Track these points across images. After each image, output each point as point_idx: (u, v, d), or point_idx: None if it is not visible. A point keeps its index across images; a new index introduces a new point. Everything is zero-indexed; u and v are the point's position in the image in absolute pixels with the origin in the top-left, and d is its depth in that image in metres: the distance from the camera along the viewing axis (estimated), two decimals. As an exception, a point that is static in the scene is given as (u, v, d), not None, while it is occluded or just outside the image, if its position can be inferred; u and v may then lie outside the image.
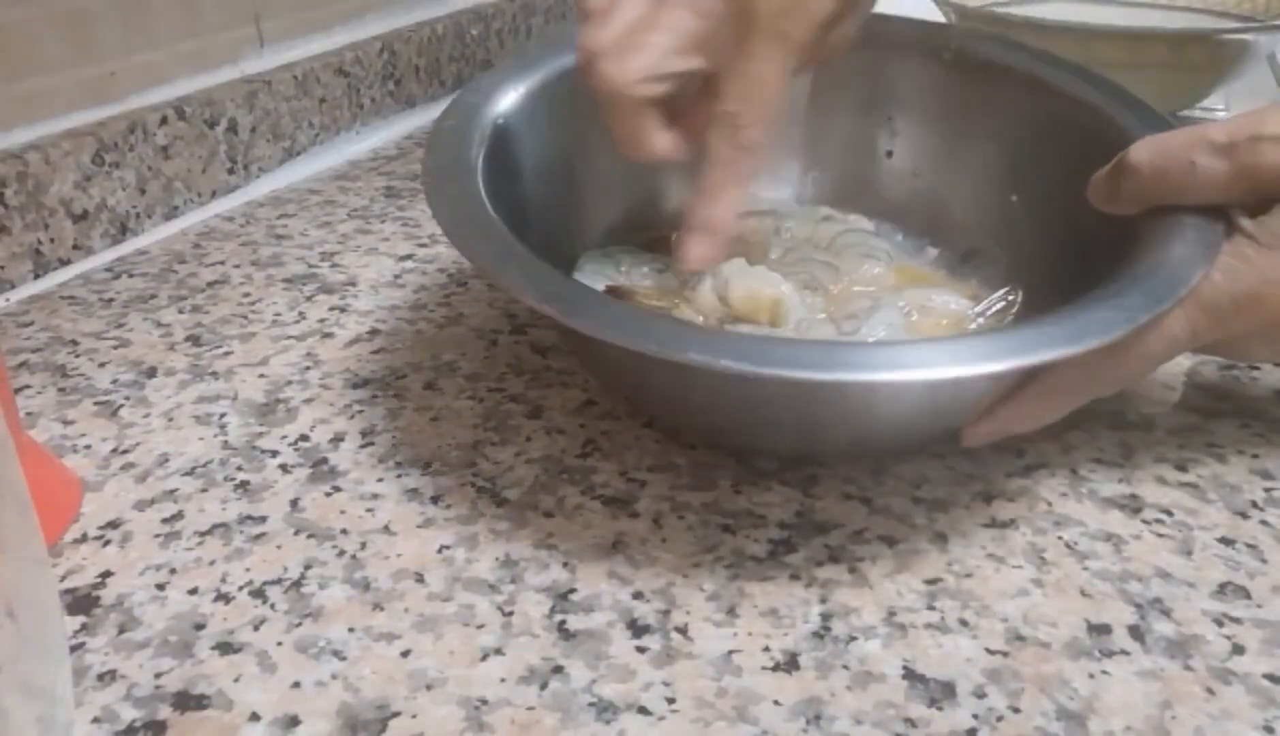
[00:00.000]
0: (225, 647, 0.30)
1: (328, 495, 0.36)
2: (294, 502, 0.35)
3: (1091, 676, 0.28)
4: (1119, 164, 0.37)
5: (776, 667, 0.29)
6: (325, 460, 0.38)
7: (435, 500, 0.35)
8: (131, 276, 0.52)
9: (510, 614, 0.31)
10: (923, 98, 0.49)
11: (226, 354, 0.45)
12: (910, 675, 0.28)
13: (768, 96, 0.36)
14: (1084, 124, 0.43)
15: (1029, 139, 0.46)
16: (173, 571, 0.33)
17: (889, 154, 0.50)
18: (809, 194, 0.52)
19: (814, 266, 0.44)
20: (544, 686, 0.28)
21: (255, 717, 0.27)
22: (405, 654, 0.29)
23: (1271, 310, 0.34)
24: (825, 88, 0.50)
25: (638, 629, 0.30)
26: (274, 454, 0.38)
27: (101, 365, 0.44)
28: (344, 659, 0.29)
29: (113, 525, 0.35)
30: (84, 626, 0.30)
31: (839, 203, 0.50)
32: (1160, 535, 0.34)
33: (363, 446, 0.38)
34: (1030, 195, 0.45)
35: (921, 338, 0.40)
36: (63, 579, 0.32)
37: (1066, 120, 0.44)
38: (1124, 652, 0.29)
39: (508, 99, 0.45)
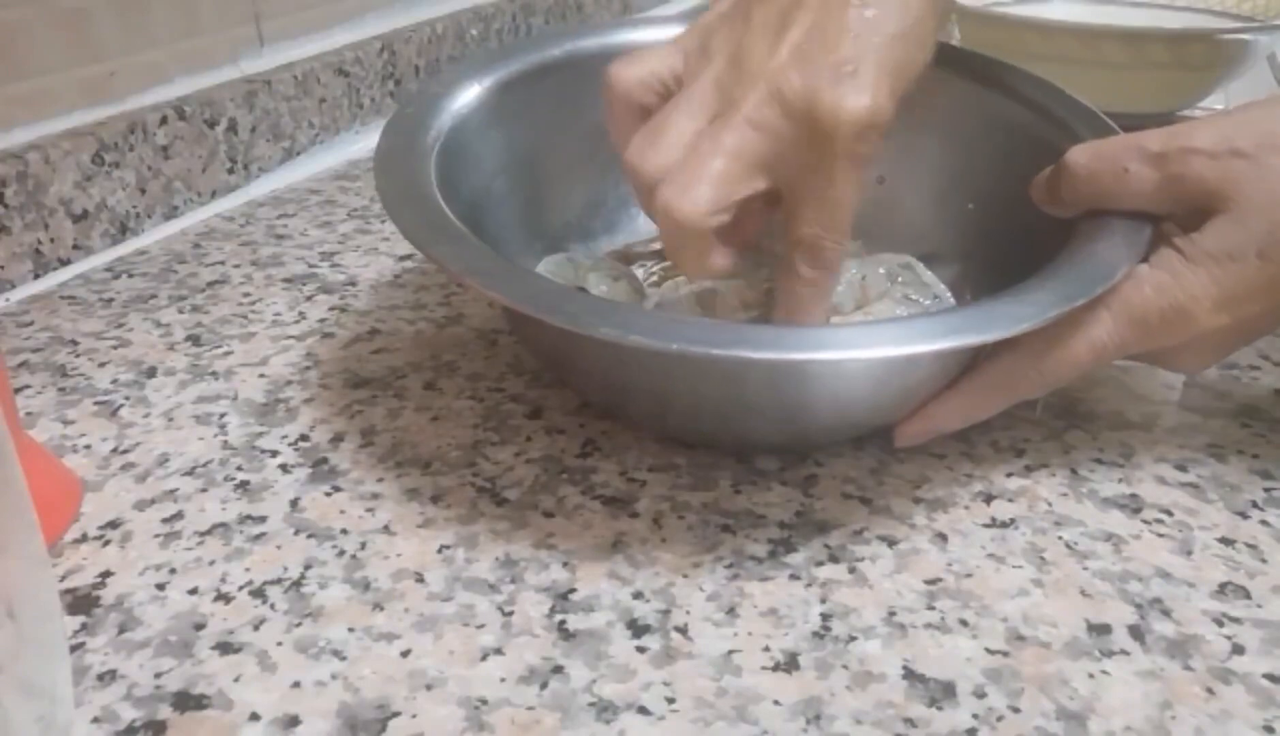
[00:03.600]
0: (225, 647, 0.30)
1: (328, 495, 0.36)
2: (294, 502, 0.35)
3: (1091, 676, 0.28)
4: (1057, 166, 0.37)
5: (776, 667, 0.29)
6: (325, 460, 0.38)
7: (435, 500, 0.35)
8: (131, 276, 0.52)
9: (510, 614, 0.31)
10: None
11: (226, 354, 0.45)
12: (910, 675, 0.28)
13: (847, 216, 0.35)
14: (1033, 129, 0.44)
15: (981, 146, 0.46)
16: (173, 571, 0.33)
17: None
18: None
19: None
20: (544, 686, 0.28)
21: (255, 717, 0.27)
22: (405, 654, 0.29)
23: (1198, 324, 0.34)
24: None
25: (638, 629, 0.30)
26: (274, 454, 0.38)
27: (101, 365, 0.44)
28: (344, 659, 0.29)
29: (113, 525, 0.35)
30: (84, 626, 0.30)
31: None
32: (1160, 535, 0.34)
33: (363, 446, 0.38)
34: (985, 202, 0.45)
35: (839, 325, 0.40)
36: (63, 579, 0.32)
37: (1016, 126, 0.45)
38: (1124, 652, 0.29)
39: (471, 92, 0.45)
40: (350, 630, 0.30)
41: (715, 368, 0.33)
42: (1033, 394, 0.36)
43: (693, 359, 0.31)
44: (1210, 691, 0.28)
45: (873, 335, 0.32)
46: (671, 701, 0.28)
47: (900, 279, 0.43)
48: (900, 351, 0.31)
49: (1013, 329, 0.31)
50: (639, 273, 0.46)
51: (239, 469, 0.37)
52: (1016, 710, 0.27)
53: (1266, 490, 0.36)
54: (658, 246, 0.47)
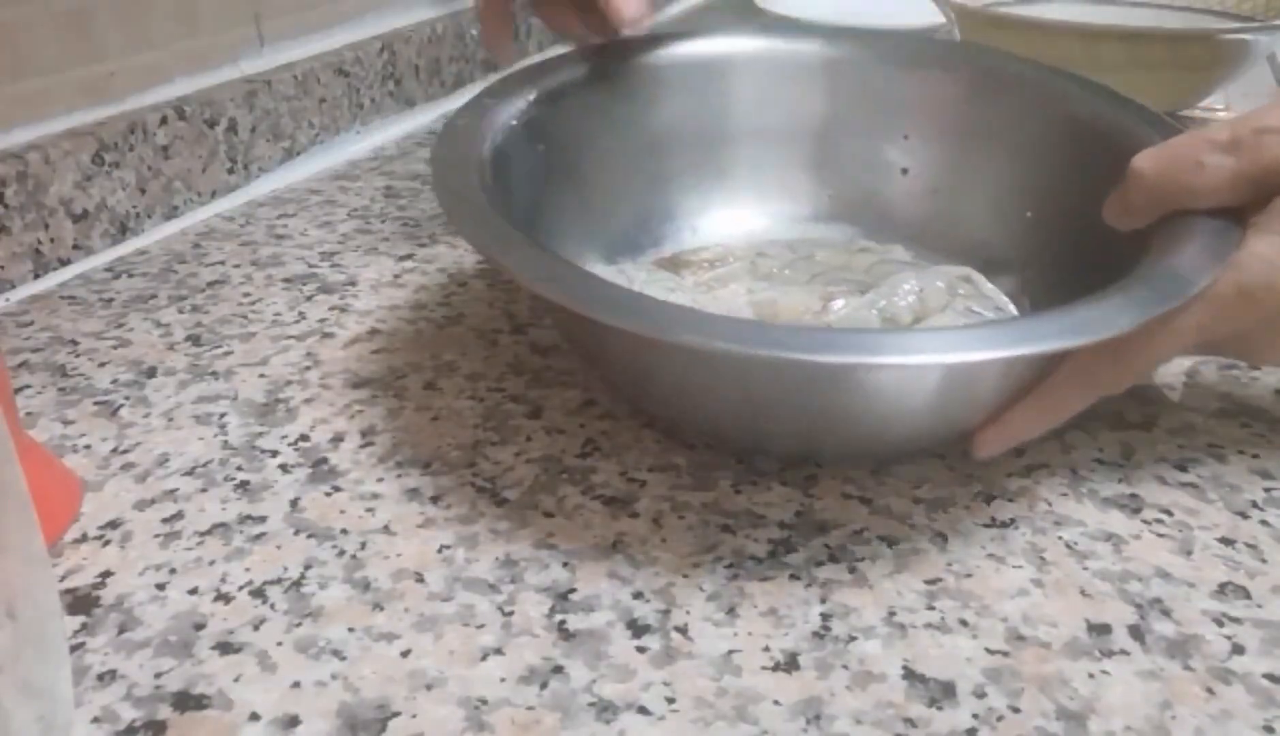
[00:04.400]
0: (225, 647, 0.30)
1: (328, 495, 0.36)
2: (294, 502, 0.35)
3: (1091, 676, 0.28)
4: (1127, 176, 0.36)
5: (776, 667, 0.29)
6: (325, 460, 0.38)
7: (435, 500, 0.35)
8: (131, 276, 0.52)
9: (510, 614, 0.31)
10: (937, 114, 0.50)
11: (226, 354, 0.45)
12: (910, 675, 0.28)
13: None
14: (1095, 135, 0.43)
15: (1042, 153, 0.46)
16: (173, 571, 0.33)
17: (905, 171, 0.50)
18: (824, 210, 0.51)
19: (846, 287, 0.44)
20: (544, 686, 0.28)
21: (255, 717, 0.27)
22: (405, 654, 0.29)
23: (1278, 296, 0.33)
24: (840, 106, 0.51)
25: (638, 629, 0.30)
26: (274, 454, 0.38)
27: (101, 365, 0.44)
28: (344, 659, 0.29)
29: (113, 525, 0.35)
30: (84, 626, 0.30)
31: (855, 220, 0.51)
32: (1160, 535, 0.34)
33: (363, 446, 0.38)
34: (1045, 210, 0.45)
35: (923, 327, 0.40)
36: (63, 579, 0.32)
37: (1078, 133, 0.44)
38: (1124, 652, 0.29)
39: (522, 101, 0.45)
40: (350, 630, 0.30)
41: (798, 371, 0.32)
42: (1112, 392, 0.35)
43: (785, 364, 0.30)
44: (1210, 691, 0.28)
45: (967, 339, 0.31)
46: (671, 701, 0.28)
47: (961, 291, 0.43)
48: (991, 355, 0.30)
49: (1113, 329, 0.30)
50: (689, 281, 0.46)
51: (239, 469, 0.37)
52: (1016, 710, 0.27)
53: (1266, 490, 0.36)
54: (707, 255, 0.47)
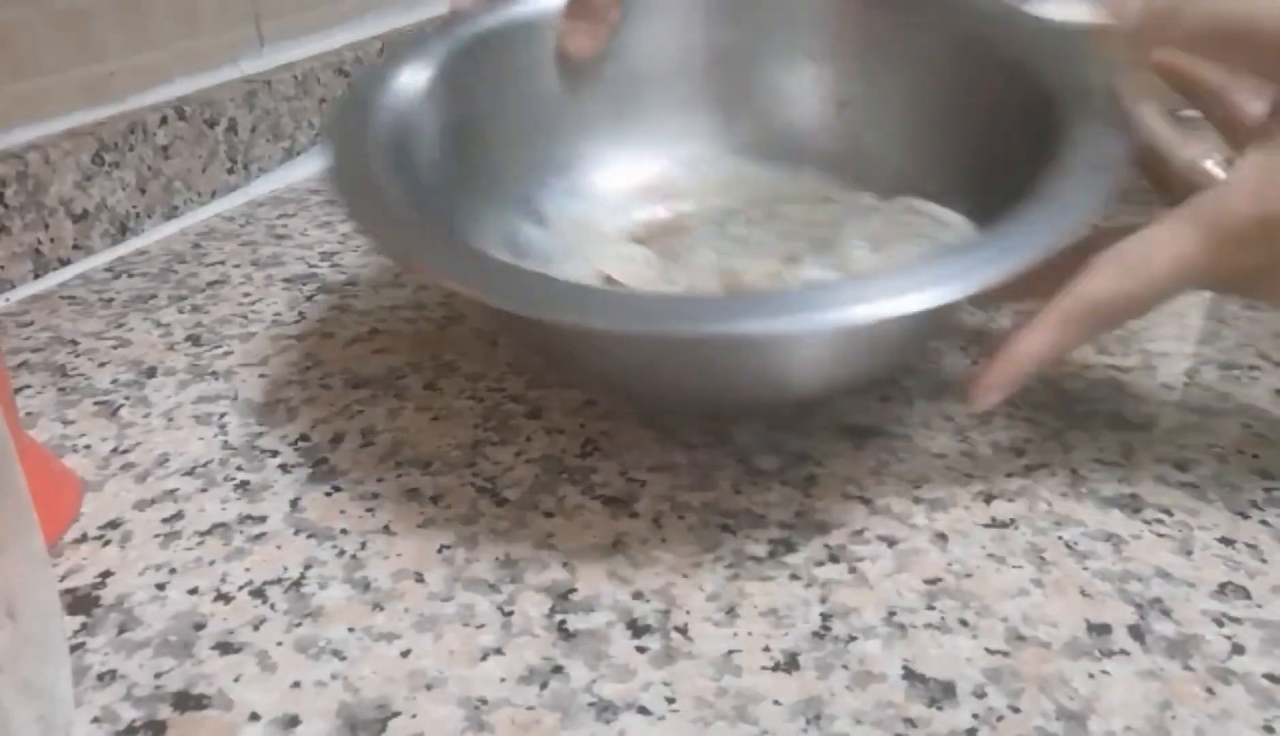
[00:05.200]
0: (225, 647, 0.30)
1: (328, 495, 0.36)
2: (294, 502, 0.35)
3: (1091, 676, 0.28)
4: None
5: (776, 667, 0.29)
6: (325, 460, 0.38)
7: (435, 500, 0.35)
8: (131, 276, 0.52)
9: (510, 614, 0.31)
10: (849, 33, 0.48)
11: (226, 354, 0.45)
12: (910, 675, 0.28)
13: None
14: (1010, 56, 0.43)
15: (951, 67, 0.45)
16: (173, 571, 0.33)
17: (842, 105, 0.49)
18: (739, 149, 0.50)
19: (807, 244, 0.44)
20: (544, 686, 0.28)
21: (255, 717, 0.27)
22: (405, 654, 0.29)
23: None
24: (760, 33, 0.50)
25: (638, 629, 0.30)
26: (274, 454, 0.38)
27: (101, 365, 0.44)
28: (344, 659, 0.29)
29: (113, 525, 0.35)
30: (84, 626, 0.30)
31: (776, 153, 0.49)
32: (1160, 535, 0.34)
33: (363, 446, 0.38)
34: (959, 134, 0.44)
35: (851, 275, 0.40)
36: (63, 579, 0.32)
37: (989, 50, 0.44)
38: (1124, 652, 0.29)
39: (414, 68, 0.44)
40: (350, 630, 0.30)
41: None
42: (1117, 323, 0.33)
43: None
44: (1210, 691, 0.28)
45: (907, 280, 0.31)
46: (671, 701, 0.28)
47: (906, 219, 0.42)
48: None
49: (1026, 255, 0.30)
50: (654, 249, 0.46)
51: (239, 469, 0.37)
52: (1016, 710, 0.27)
53: (1266, 490, 0.36)
54: (670, 220, 0.47)
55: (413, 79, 0.43)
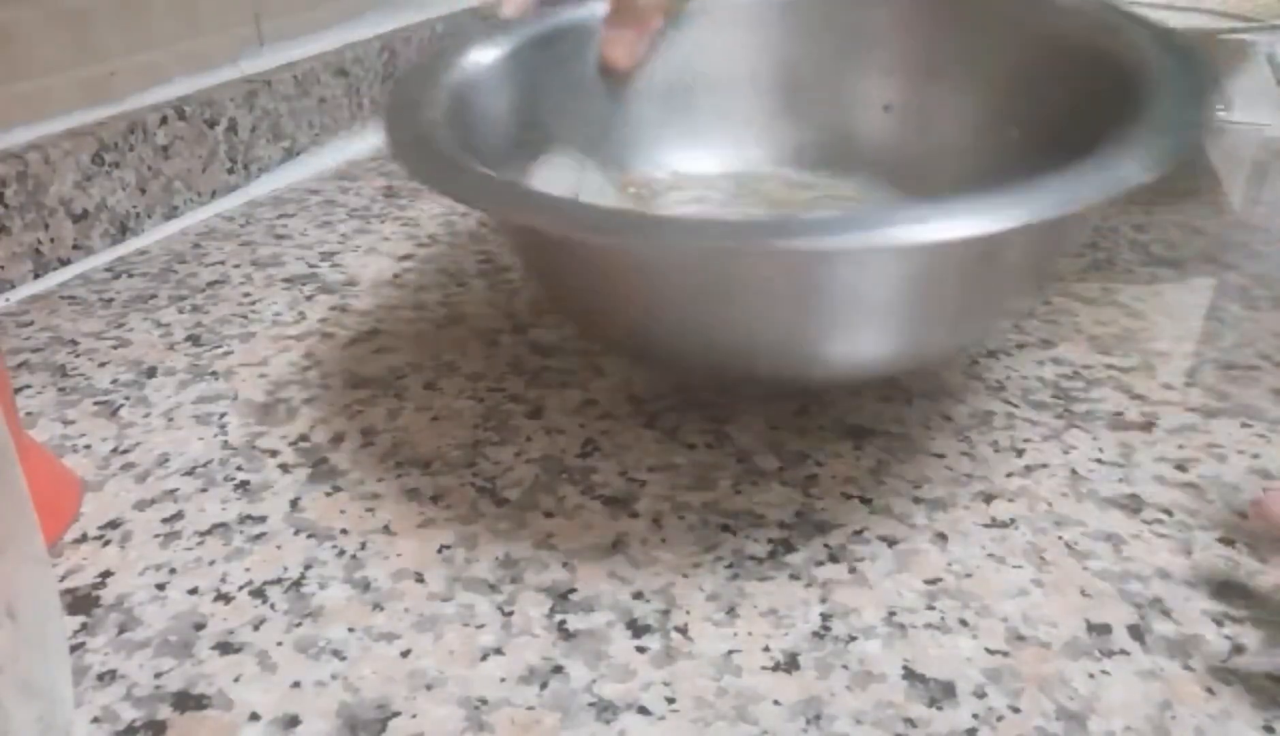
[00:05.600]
0: (225, 647, 0.30)
1: (328, 495, 0.36)
2: (294, 502, 0.35)
3: (1091, 676, 0.28)
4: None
5: (776, 667, 0.29)
6: (325, 460, 0.38)
7: (435, 500, 0.35)
8: (131, 276, 0.52)
9: (510, 614, 0.31)
10: (908, 36, 0.48)
11: (226, 354, 0.45)
12: (910, 675, 0.28)
13: None
14: (1085, 44, 0.41)
15: (1023, 65, 0.44)
16: (173, 571, 0.33)
17: (887, 108, 0.48)
18: (794, 157, 0.50)
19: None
20: (544, 686, 0.28)
21: (255, 717, 0.27)
22: (405, 654, 0.29)
23: None
24: (812, 40, 0.49)
25: (638, 629, 0.30)
26: (274, 454, 0.38)
27: (101, 365, 0.44)
28: (344, 659, 0.29)
29: (113, 525, 0.35)
30: (84, 626, 0.30)
31: (832, 164, 0.49)
32: (1160, 535, 0.34)
33: (363, 446, 0.38)
34: (1031, 128, 0.43)
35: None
36: (63, 579, 0.32)
37: (1062, 42, 0.42)
38: (1124, 652, 0.29)
39: (488, 52, 0.44)
40: (350, 630, 0.30)
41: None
42: None
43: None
44: (1210, 691, 0.28)
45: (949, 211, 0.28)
46: (671, 701, 0.28)
47: None
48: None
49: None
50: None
51: (239, 469, 0.37)
52: (1016, 710, 0.27)
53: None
54: (655, 184, 0.47)
55: (477, 61, 0.44)
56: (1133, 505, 0.35)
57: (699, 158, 0.49)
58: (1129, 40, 0.39)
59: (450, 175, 0.34)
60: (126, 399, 0.42)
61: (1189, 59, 0.36)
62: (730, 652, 0.29)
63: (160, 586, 0.32)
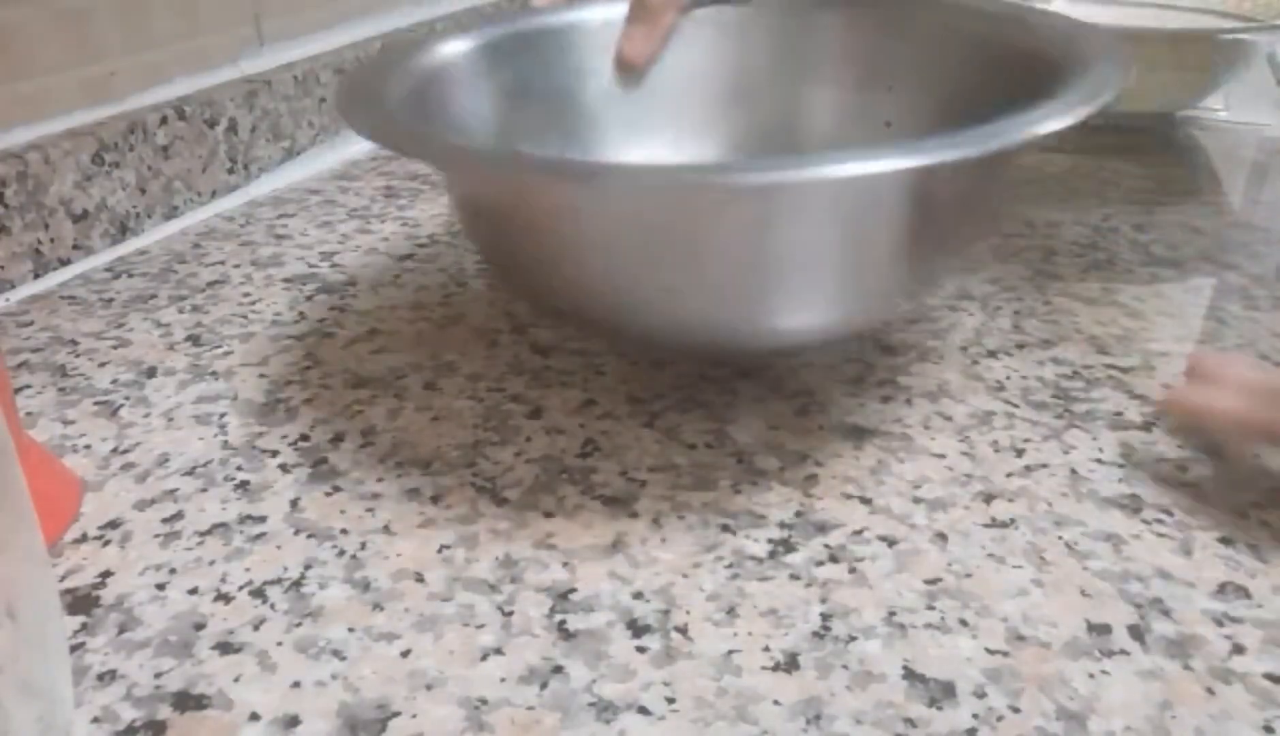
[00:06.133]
0: (225, 647, 0.30)
1: (328, 495, 0.36)
2: (294, 502, 0.35)
3: (1091, 676, 0.28)
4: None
5: (776, 667, 0.29)
6: (325, 460, 0.38)
7: (435, 500, 0.35)
8: (131, 276, 0.52)
9: (510, 614, 0.31)
10: (922, 62, 0.49)
11: (226, 354, 0.45)
12: (910, 675, 0.28)
13: None
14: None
15: (972, 71, 0.45)
16: (173, 571, 0.33)
17: (888, 124, 0.49)
18: (742, 147, 0.51)
19: None
20: (544, 686, 0.28)
21: (255, 717, 0.27)
22: (405, 654, 0.29)
23: None
24: (817, 60, 0.50)
25: (638, 629, 0.30)
26: (274, 454, 0.38)
27: (101, 365, 0.44)
28: (344, 659, 0.29)
29: (113, 525, 0.35)
30: (84, 626, 0.30)
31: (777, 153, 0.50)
32: (1160, 535, 0.34)
33: (363, 446, 0.38)
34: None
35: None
36: (63, 579, 0.32)
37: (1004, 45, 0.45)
38: (1124, 652, 0.29)
39: (453, 47, 0.46)
40: (350, 630, 0.30)
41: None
42: None
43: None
44: (1210, 691, 0.28)
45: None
46: (671, 701, 0.28)
47: None
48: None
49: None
50: None
51: (239, 469, 0.37)
52: (1016, 710, 0.27)
53: (1266, 490, 0.36)
54: None
55: (453, 47, 0.46)
56: (1133, 505, 0.35)
57: (656, 151, 0.51)
58: (1049, 37, 0.42)
59: (400, 133, 0.36)
60: (126, 399, 0.42)
61: (1105, 47, 0.40)
62: (730, 652, 0.29)
63: (160, 586, 0.32)
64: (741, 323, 0.36)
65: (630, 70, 0.49)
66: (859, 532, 0.34)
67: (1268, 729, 0.27)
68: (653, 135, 0.50)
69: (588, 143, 0.49)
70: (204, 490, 0.36)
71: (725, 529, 0.34)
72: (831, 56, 0.50)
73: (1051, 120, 0.33)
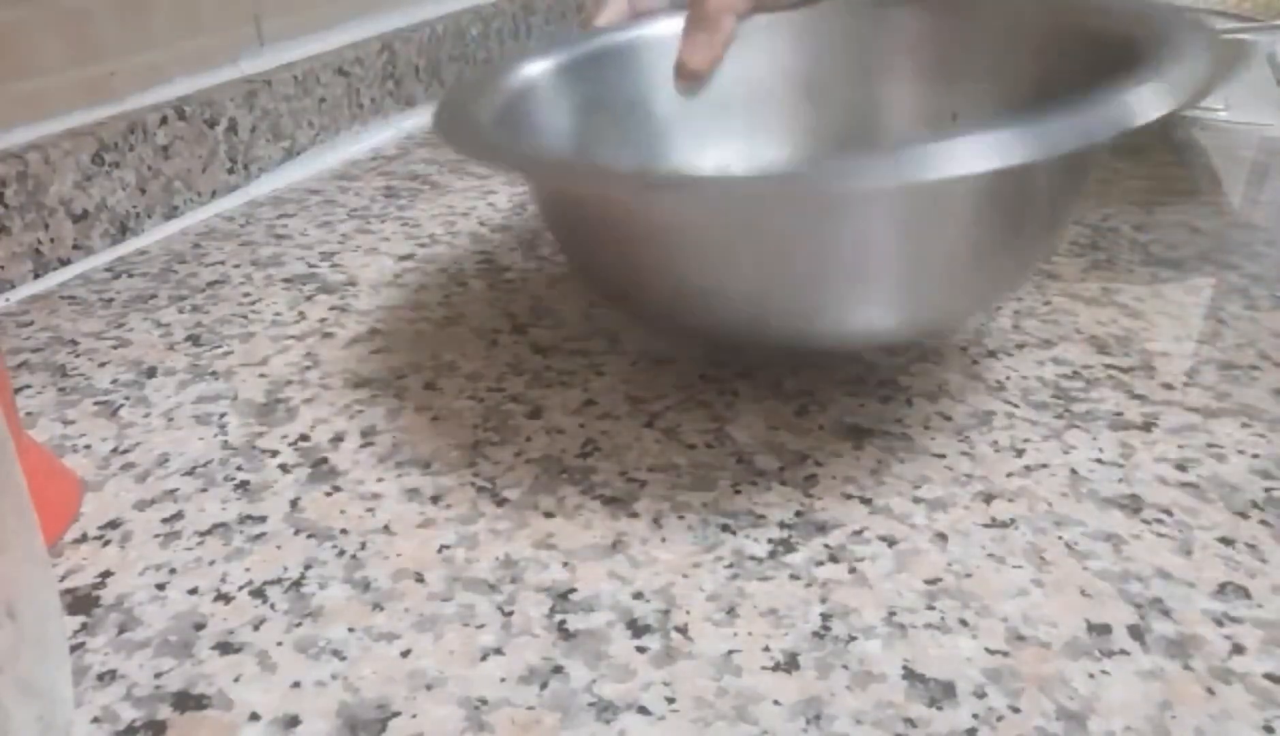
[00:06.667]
0: (225, 647, 0.30)
1: (328, 495, 0.36)
2: (294, 502, 0.35)
3: (1091, 676, 0.28)
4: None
5: (776, 667, 0.29)
6: (325, 460, 0.38)
7: (435, 500, 0.35)
8: (131, 276, 0.52)
9: (510, 614, 0.31)
10: (988, 51, 0.49)
11: (226, 354, 0.45)
12: (910, 675, 0.28)
13: None
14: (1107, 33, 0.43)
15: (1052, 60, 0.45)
16: (173, 571, 0.33)
17: (954, 117, 0.49)
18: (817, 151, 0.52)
19: None
20: (544, 686, 0.28)
21: (255, 717, 0.27)
22: (405, 654, 0.29)
23: None
24: (885, 54, 0.51)
25: (638, 629, 0.30)
26: (274, 454, 0.38)
27: (101, 365, 0.44)
28: (344, 659, 0.29)
29: (113, 525, 0.35)
30: (84, 626, 0.30)
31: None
32: (1160, 535, 0.34)
33: (363, 446, 0.38)
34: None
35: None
36: (63, 579, 0.32)
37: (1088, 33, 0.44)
38: (1124, 652, 0.29)
39: (533, 69, 0.47)
40: (350, 630, 0.30)
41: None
42: None
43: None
44: (1210, 691, 0.28)
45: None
46: (671, 701, 0.28)
47: None
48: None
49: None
50: None
51: (239, 469, 0.37)
52: (1016, 710, 0.27)
53: (1266, 490, 0.36)
54: None
55: (536, 67, 0.47)
56: (1133, 505, 0.35)
57: (730, 157, 0.51)
58: (1137, 21, 0.40)
59: (497, 149, 0.37)
60: (126, 399, 0.42)
61: (1194, 31, 0.38)
62: (730, 652, 0.29)
63: (160, 586, 0.32)
64: (831, 323, 0.36)
65: (692, 78, 0.50)
66: (859, 532, 0.34)
67: (1268, 729, 0.27)
68: (726, 140, 0.51)
69: (660, 152, 0.50)
70: (204, 490, 0.36)
71: (725, 529, 0.34)
72: (896, 50, 0.50)
73: (1151, 105, 0.31)
